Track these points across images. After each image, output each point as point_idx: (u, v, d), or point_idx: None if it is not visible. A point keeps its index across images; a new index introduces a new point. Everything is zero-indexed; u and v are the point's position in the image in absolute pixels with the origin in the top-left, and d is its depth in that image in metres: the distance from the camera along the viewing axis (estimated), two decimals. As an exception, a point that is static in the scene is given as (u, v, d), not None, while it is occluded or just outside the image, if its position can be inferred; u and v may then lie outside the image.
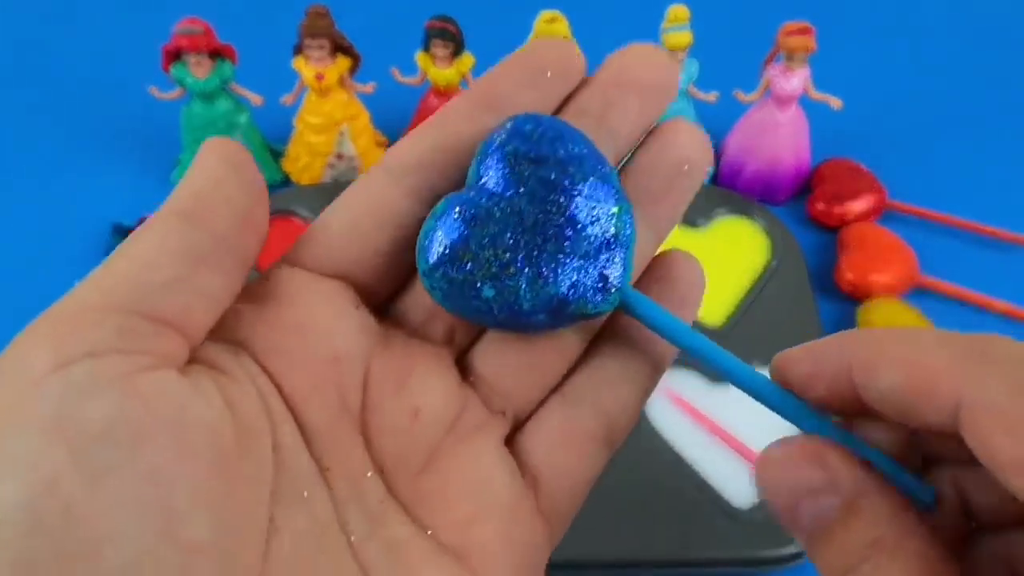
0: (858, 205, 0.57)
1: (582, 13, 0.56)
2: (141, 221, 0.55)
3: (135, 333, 0.17)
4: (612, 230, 0.21)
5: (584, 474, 0.22)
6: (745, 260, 0.54)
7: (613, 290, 0.21)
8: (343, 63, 0.55)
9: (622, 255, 0.21)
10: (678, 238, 0.54)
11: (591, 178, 0.21)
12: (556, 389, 0.22)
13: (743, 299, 0.52)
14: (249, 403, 0.19)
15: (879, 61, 0.69)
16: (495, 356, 0.22)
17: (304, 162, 0.58)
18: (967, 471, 0.18)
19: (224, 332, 0.20)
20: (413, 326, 0.22)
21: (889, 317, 0.51)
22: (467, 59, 0.56)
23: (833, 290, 0.54)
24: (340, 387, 0.20)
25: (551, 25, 0.53)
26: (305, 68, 0.55)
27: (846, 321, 0.53)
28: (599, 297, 0.20)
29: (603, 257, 0.20)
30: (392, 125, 0.61)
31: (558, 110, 0.23)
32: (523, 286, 0.20)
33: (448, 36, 0.55)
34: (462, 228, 0.20)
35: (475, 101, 0.22)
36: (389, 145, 0.61)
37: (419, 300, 0.22)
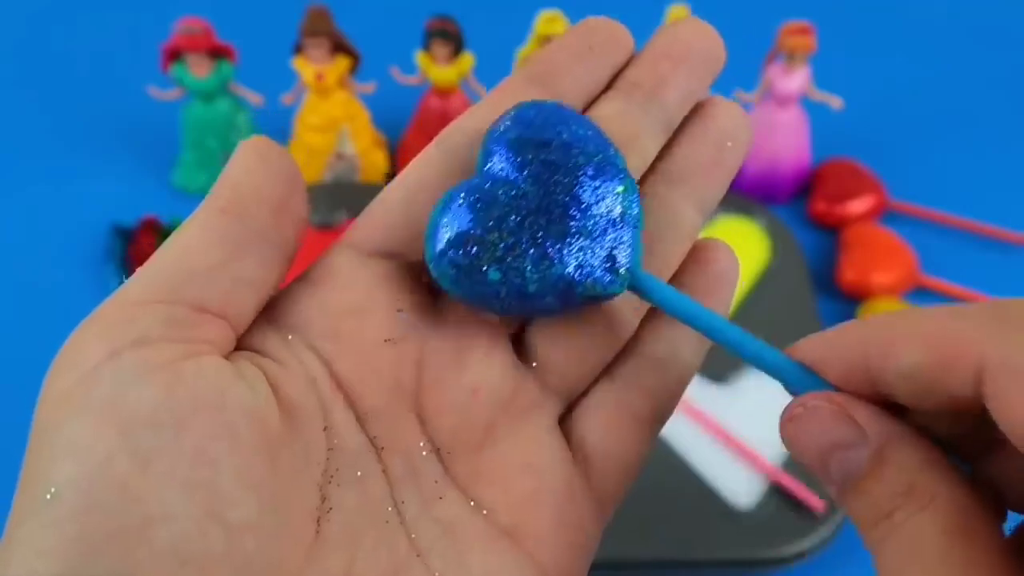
0: (858, 205, 0.57)
1: (582, 13, 0.56)
2: (141, 221, 0.55)
3: (179, 322, 0.18)
4: (618, 209, 0.20)
5: (634, 455, 0.22)
6: (745, 260, 0.53)
7: (622, 270, 0.20)
8: (343, 63, 0.55)
9: (630, 235, 0.21)
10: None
11: (595, 158, 0.21)
12: (606, 370, 0.22)
13: (743, 299, 0.52)
14: (297, 386, 0.19)
15: (879, 61, 0.69)
16: (549, 335, 0.22)
17: (304, 162, 0.58)
18: (997, 456, 0.18)
19: (277, 316, 0.20)
20: None
21: (889, 317, 0.51)
22: (467, 59, 0.56)
23: (833, 290, 0.54)
24: (394, 367, 0.21)
25: (551, 25, 0.53)
26: (305, 68, 0.55)
27: (846, 321, 0.53)
28: (607, 278, 0.20)
29: (610, 237, 0.20)
30: (392, 125, 0.61)
31: (609, 84, 0.23)
32: (528, 267, 0.20)
33: (448, 36, 0.55)
34: (467, 214, 0.20)
35: (528, 77, 0.23)
36: (389, 145, 0.61)
37: None
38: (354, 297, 0.21)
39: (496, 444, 0.21)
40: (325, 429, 0.20)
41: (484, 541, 0.19)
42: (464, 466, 0.20)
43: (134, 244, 0.54)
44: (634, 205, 0.21)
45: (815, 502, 0.42)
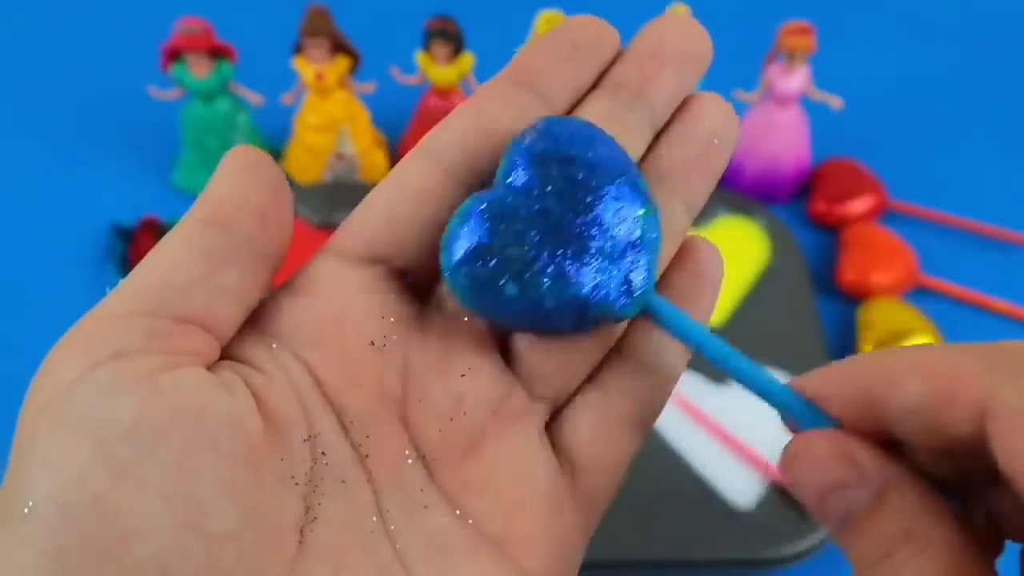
0: (858, 205, 0.57)
1: (582, 13, 0.56)
2: (141, 221, 0.55)
3: (160, 334, 0.18)
4: (638, 232, 0.20)
5: (620, 461, 0.22)
6: (745, 260, 0.53)
7: (637, 293, 0.20)
8: (343, 62, 0.55)
9: (647, 259, 0.21)
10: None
11: (619, 179, 0.20)
12: (592, 376, 0.22)
13: (743, 299, 0.52)
14: (280, 395, 0.19)
15: (879, 61, 0.69)
16: (536, 341, 0.21)
17: (304, 162, 0.58)
18: (996, 491, 0.17)
19: (260, 324, 0.20)
20: (455, 310, 0.22)
21: (889, 317, 0.51)
22: (467, 58, 0.56)
23: (833, 290, 0.54)
24: (379, 374, 0.20)
25: (551, 25, 0.53)
26: (305, 68, 0.55)
27: (846, 321, 0.53)
28: (622, 300, 0.20)
29: (628, 259, 0.20)
30: (392, 125, 0.61)
31: (594, 84, 0.23)
32: (546, 284, 0.20)
33: (448, 36, 0.55)
34: (488, 225, 0.20)
35: (511, 79, 0.22)
36: (389, 145, 0.61)
37: None
38: (338, 304, 0.20)
39: (482, 452, 0.20)
40: (309, 438, 0.19)
41: (470, 550, 0.19)
42: (450, 474, 0.20)
43: (134, 244, 0.54)
44: (654, 229, 0.21)
45: (815, 502, 0.42)
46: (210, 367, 0.19)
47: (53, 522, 0.16)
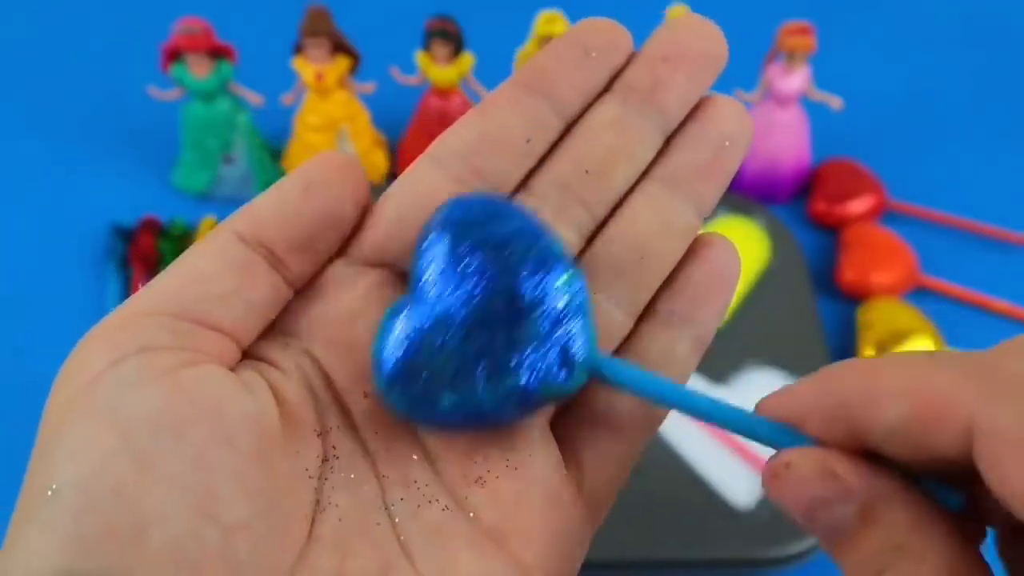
0: (858, 205, 0.57)
1: (582, 13, 0.56)
2: (141, 221, 0.55)
3: (184, 333, 0.19)
4: (563, 301, 0.20)
5: (625, 460, 0.22)
6: (745, 260, 0.53)
7: (578, 363, 0.20)
8: (343, 62, 0.55)
9: (580, 324, 0.20)
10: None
11: (532, 253, 0.20)
12: None
13: (743, 299, 0.52)
14: (295, 392, 0.20)
15: (879, 61, 0.69)
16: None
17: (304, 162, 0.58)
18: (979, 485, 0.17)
19: (275, 323, 0.21)
20: None
21: (889, 317, 0.51)
22: (467, 58, 0.56)
23: (833, 290, 0.54)
24: None
25: (551, 25, 0.53)
26: (305, 68, 0.55)
27: (846, 321, 0.53)
28: (563, 374, 0.20)
29: (560, 332, 0.20)
30: (392, 125, 0.61)
31: (606, 88, 0.23)
32: (481, 385, 0.19)
33: (448, 35, 0.55)
34: (411, 340, 0.19)
35: (522, 85, 0.22)
36: (389, 145, 0.61)
37: None
38: (349, 304, 0.21)
39: (487, 448, 0.21)
40: (321, 434, 0.20)
41: (471, 544, 0.19)
42: (454, 470, 0.20)
43: (134, 244, 0.54)
44: (579, 293, 0.20)
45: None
46: (231, 367, 0.19)
47: (76, 508, 0.16)
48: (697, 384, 0.47)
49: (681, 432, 0.45)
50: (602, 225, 0.22)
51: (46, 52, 0.69)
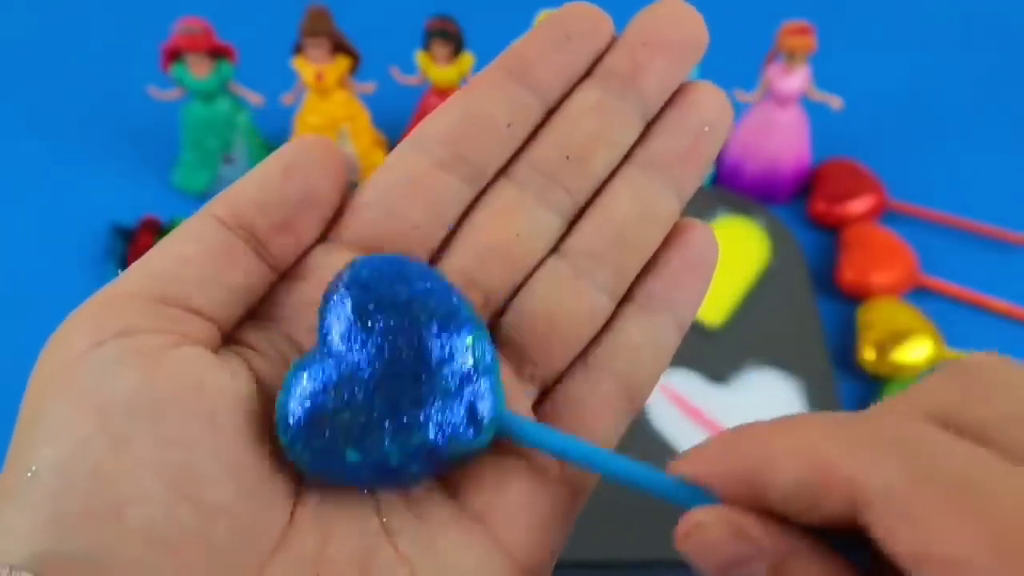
0: (858, 205, 0.57)
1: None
2: (141, 221, 0.55)
3: (165, 317, 0.19)
4: (470, 361, 0.20)
5: (607, 440, 0.22)
6: (745, 260, 0.54)
7: (484, 421, 0.20)
8: (343, 62, 0.55)
9: (488, 383, 0.20)
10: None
11: (438, 313, 0.20)
12: (581, 355, 0.22)
13: (743, 299, 0.52)
14: (276, 375, 0.20)
15: (879, 61, 0.69)
16: (527, 321, 0.22)
17: (304, 162, 0.58)
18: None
19: (259, 309, 0.21)
20: None
21: (889, 317, 0.51)
22: (467, 58, 0.56)
23: (833, 290, 0.54)
24: None
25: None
26: (305, 68, 0.55)
27: (846, 321, 0.53)
28: (471, 432, 0.20)
29: (467, 391, 0.20)
30: (392, 125, 0.61)
31: (587, 73, 0.23)
32: (387, 442, 0.19)
33: (448, 35, 0.55)
34: (314, 397, 0.19)
35: (503, 70, 0.22)
36: (389, 145, 0.61)
37: (454, 267, 0.22)
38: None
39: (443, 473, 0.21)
40: None
41: (452, 525, 0.20)
42: None
43: (134, 244, 0.54)
44: (486, 353, 0.20)
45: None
46: (212, 350, 0.19)
47: (54, 489, 0.16)
48: (696, 384, 0.47)
49: (681, 432, 0.45)
50: (583, 210, 0.22)
51: (46, 52, 0.69)
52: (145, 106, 0.58)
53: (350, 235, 0.21)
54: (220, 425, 0.18)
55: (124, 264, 0.54)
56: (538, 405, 0.22)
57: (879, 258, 0.54)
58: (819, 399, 0.47)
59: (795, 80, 0.55)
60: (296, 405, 0.19)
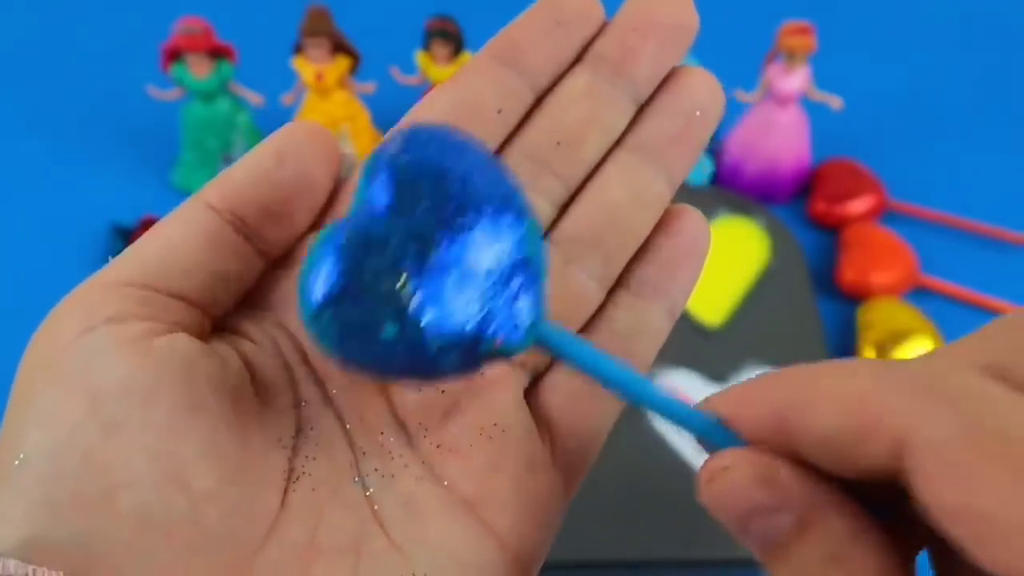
0: (858, 205, 0.57)
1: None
2: (141, 221, 0.55)
3: (156, 304, 0.19)
4: (523, 253, 0.18)
5: (598, 427, 0.22)
6: (745, 260, 0.53)
7: (528, 324, 0.18)
8: (343, 62, 0.55)
9: (536, 284, 0.18)
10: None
11: (497, 194, 0.18)
12: None
13: (743, 299, 0.52)
14: (269, 363, 0.20)
15: (879, 61, 0.69)
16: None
17: (304, 162, 0.58)
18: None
19: (250, 296, 0.21)
20: None
21: (889, 317, 0.51)
22: (467, 58, 0.56)
23: (833, 290, 0.54)
24: None
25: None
26: (305, 68, 0.55)
27: (846, 321, 0.53)
28: (513, 333, 0.18)
29: (514, 285, 0.18)
30: (392, 125, 0.60)
31: (578, 58, 0.23)
32: (428, 320, 0.17)
33: (448, 36, 0.55)
34: (352, 258, 0.17)
35: (493, 56, 0.22)
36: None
37: None
38: None
39: (461, 417, 0.21)
40: (296, 404, 0.20)
41: (444, 512, 0.20)
42: (428, 438, 0.20)
43: (134, 244, 0.55)
44: (538, 250, 0.18)
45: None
46: (203, 338, 0.19)
47: (45, 474, 0.16)
48: (696, 384, 0.47)
49: (681, 432, 0.45)
50: (575, 195, 0.22)
51: (46, 52, 0.69)
52: (145, 106, 0.59)
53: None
54: (209, 412, 0.18)
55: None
56: (530, 391, 0.22)
57: (879, 258, 0.54)
58: (819, 399, 0.47)
59: (795, 80, 0.55)
60: (330, 266, 0.17)
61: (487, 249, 0.18)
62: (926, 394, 0.14)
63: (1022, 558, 0.12)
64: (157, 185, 0.60)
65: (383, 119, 0.60)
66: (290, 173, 0.20)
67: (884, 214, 0.58)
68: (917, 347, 0.50)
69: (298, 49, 0.55)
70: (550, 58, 0.22)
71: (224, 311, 0.20)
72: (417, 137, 0.18)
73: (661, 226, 0.23)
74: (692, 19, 0.22)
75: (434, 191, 0.18)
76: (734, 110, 0.59)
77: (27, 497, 0.16)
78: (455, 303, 0.17)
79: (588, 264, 0.22)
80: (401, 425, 0.21)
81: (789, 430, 0.15)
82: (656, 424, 0.45)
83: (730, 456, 0.16)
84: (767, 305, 0.51)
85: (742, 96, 0.58)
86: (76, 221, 0.57)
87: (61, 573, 0.16)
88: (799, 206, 0.60)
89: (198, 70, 0.54)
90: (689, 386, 0.47)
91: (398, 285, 0.17)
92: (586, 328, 0.22)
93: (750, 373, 0.48)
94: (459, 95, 0.22)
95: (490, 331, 0.18)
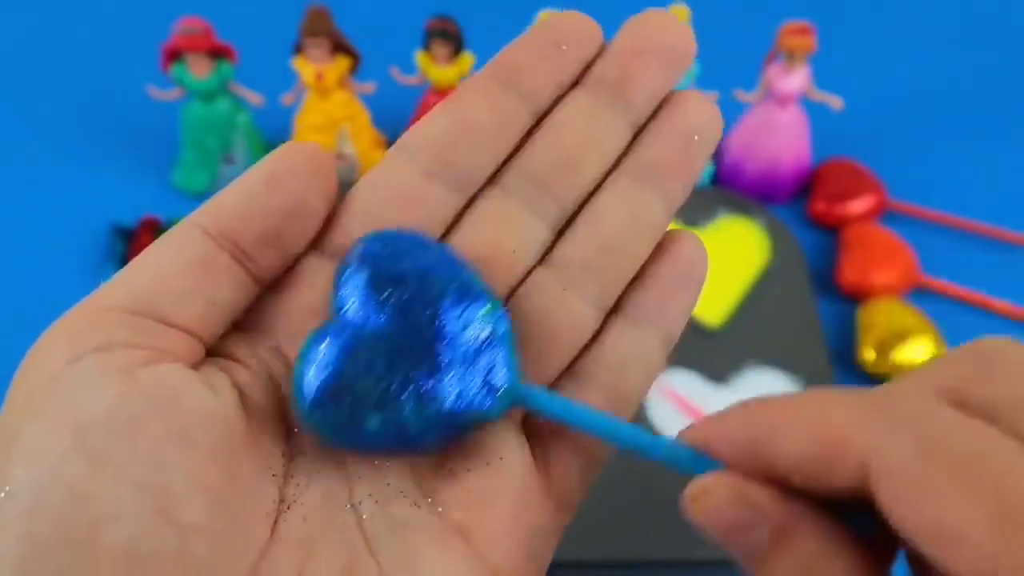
0: (858, 205, 0.57)
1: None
2: (141, 221, 0.55)
3: (145, 331, 0.18)
4: (487, 331, 0.20)
5: (594, 456, 0.22)
6: (745, 260, 0.54)
7: (501, 390, 0.20)
8: (343, 62, 0.55)
9: (503, 353, 0.20)
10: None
11: (453, 284, 0.20)
12: (568, 368, 0.22)
13: (743, 299, 0.52)
14: (262, 389, 0.20)
15: (879, 61, 0.69)
16: (515, 333, 0.21)
17: (304, 162, 0.58)
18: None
19: (244, 320, 0.21)
20: None
21: (889, 317, 0.51)
22: (467, 58, 0.56)
23: (833, 290, 0.54)
24: None
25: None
26: (305, 68, 0.55)
27: (846, 321, 0.53)
28: (488, 401, 0.20)
29: (484, 360, 0.20)
30: (392, 125, 0.61)
31: (576, 81, 0.23)
32: (408, 409, 0.19)
33: (448, 36, 0.55)
34: (334, 364, 0.19)
35: (492, 77, 0.22)
36: (389, 145, 0.61)
37: None
38: (316, 298, 0.21)
39: (458, 444, 0.20)
40: (288, 431, 0.20)
41: (436, 539, 0.19)
42: (422, 465, 0.20)
43: (134, 244, 0.54)
44: (502, 323, 0.20)
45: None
46: (194, 365, 0.19)
47: (29, 508, 0.16)
48: (696, 384, 0.47)
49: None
50: (572, 219, 0.22)
51: (46, 52, 0.69)
52: (145, 106, 0.59)
53: (338, 245, 0.21)
54: (197, 443, 0.18)
55: (124, 264, 0.54)
56: (526, 417, 0.22)
57: (879, 258, 0.54)
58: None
59: (795, 80, 0.55)
60: (315, 374, 0.19)
61: (454, 335, 0.20)
62: (887, 419, 0.15)
63: (976, 566, 0.13)
64: (157, 185, 0.60)
65: (383, 119, 0.60)
66: (284, 197, 0.20)
67: (884, 214, 0.58)
68: (917, 347, 0.50)
69: (298, 49, 0.55)
70: (549, 80, 0.22)
71: (216, 336, 0.20)
72: (371, 247, 0.20)
73: (659, 252, 0.22)
74: (690, 44, 0.23)
75: (397, 294, 0.20)
76: (734, 110, 0.59)
77: (11, 532, 0.16)
78: (430, 388, 0.20)
79: (585, 289, 0.22)
80: None
81: (763, 456, 0.16)
82: (657, 424, 0.45)
83: (710, 479, 0.17)
84: (767, 305, 0.51)
85: (742, 96, 0.58)
86: (76, 221, 0.57)
87: None
88: (799, 206, 0.60)
89: (198, 70, 0.54)
90: (689, 386, 0.47)
91: (376, 381, 0.19)
92: (581, 356, 0.22)
93: (750, 373, 0.48)
94: (457, 116, 0.22)
95: (465, 404, 0.20)
